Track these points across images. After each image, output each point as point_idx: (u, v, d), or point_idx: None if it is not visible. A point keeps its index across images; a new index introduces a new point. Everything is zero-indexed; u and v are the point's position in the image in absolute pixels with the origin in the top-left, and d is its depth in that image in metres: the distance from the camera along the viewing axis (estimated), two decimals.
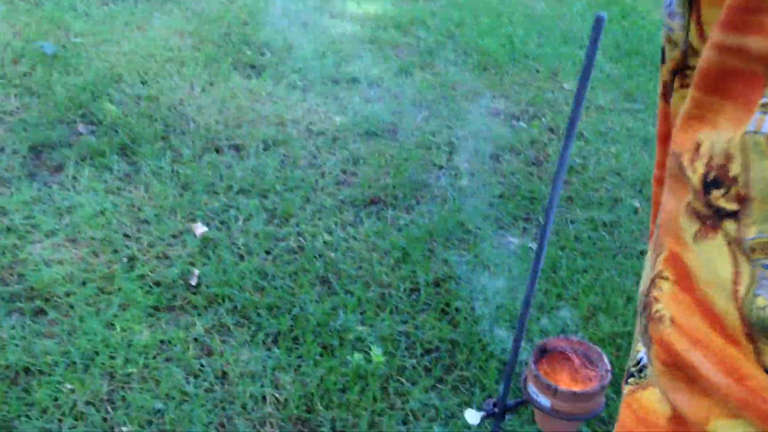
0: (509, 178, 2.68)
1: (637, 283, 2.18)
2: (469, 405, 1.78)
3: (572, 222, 2.54)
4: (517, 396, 1.78)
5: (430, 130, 2.98)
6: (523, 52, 4.03)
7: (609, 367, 1.45)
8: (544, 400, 1.41)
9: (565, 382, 1.45)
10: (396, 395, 1.82)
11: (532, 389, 1.42)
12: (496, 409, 1.48)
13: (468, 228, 2.40)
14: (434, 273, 2.19)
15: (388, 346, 1.92)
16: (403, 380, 1.86)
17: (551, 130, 3.20)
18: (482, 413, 1.47)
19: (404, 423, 1.76)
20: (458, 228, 2.39)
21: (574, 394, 1.38)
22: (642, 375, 0.64)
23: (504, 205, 2.52)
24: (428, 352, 1.96)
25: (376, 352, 1.86)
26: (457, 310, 2.09)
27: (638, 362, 0.65)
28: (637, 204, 2.69)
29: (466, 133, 2.95)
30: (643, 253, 2.37)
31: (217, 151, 2.65)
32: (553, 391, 1.39)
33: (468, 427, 1.73)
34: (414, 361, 1.92)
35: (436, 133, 2.94)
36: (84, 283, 2.03)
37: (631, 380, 0.66)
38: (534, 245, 2.24)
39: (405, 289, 2.15)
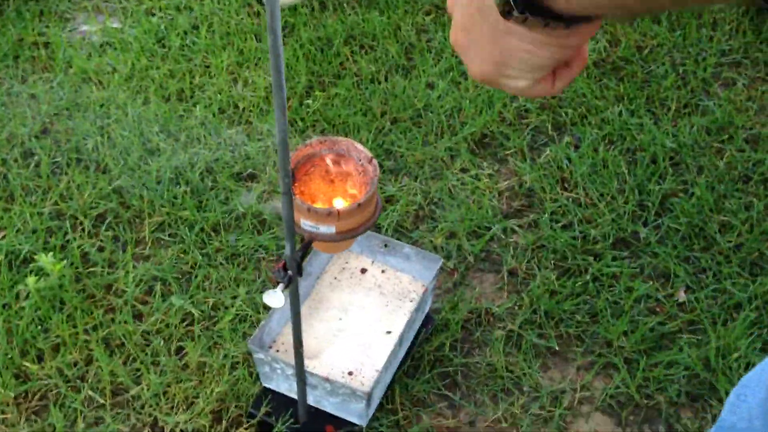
0: None
1: None
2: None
3: None
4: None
5: None
6: None
7: (368, 153, 1.35)
8: (327, 228, 1.31)
9: (327, 195, 1.37)
10: None
11: (307, 224, 1.29)
12: (290, 272, 1.30)
13: None
14: None
15: None
16: None
17: None
18: (280, 286, 1.29)
19: None
20: None
21: (359, 205, 1.29)
22: None
23: None
24: None
25: None
26: None
27: None
28: None
29: None
30: None
31: None
32: (335, 215, 1.29)
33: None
34: None
35: None
36: None
37: None
38: None
39: None
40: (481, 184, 2.03)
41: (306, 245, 1.39)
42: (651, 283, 1.83)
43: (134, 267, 1.84)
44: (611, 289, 1.82)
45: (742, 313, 1.76)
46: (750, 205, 1.98)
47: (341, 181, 1.45)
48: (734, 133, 2.16)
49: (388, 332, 1.68)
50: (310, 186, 1.48)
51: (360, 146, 1.40)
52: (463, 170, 2.07)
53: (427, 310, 1.74)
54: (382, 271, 1.78)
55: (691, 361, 1.69)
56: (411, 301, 1.72)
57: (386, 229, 1.94)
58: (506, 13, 0.60)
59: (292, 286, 1.38)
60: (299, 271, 1.36)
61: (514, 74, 0.66)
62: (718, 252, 1.89)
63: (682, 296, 1.81)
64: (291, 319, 1.44)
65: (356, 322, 1.70)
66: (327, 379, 1.52)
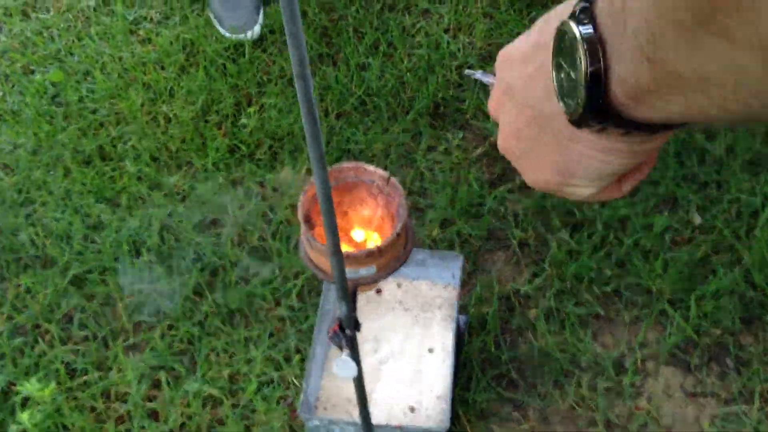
0: None
1: None
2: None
3: None
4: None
5: None
6: None
7: (382, 173, 1.19)
8: (368, 270, 1.17)
9: (344, 229, 1.22)
10: None
11: (349, 271, 1.11)
12: (348, 331, 1.15)
13: None
14: None
15: None
16: None
17: None
18: (345, 352, 1.15)
19: None
20: None
21: (398, 234, 1.14)
22: None
23: None
24: None
25: None
26: None
27: None
28: None
29: None
30: None
31: None
32: (376, 254, 1.14)
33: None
34: None
35: None
36: None
37: None
38: None
39: None
40: (454, 158, 1.90)
41: (353, 296, 1.24)
42: (665, 213, 1.76)
43: (126, 362, 1.63)
44: (628, 231, 1.74)
45: (761, 217, 1.71)
46: None
47: (354, 210, 1.30)
48: None
49: (431, 350, 1.55)
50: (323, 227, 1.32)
51: (371, 167, 1.25)
52: (430, 149, 1.93)
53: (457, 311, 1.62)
54: (398, 286, 1.64)
55: (734, 284, 1.63)
56: (439, 308, 1.60)
57: None
58: (578, 123, 0.50)
59: (352, 345, 1.23)
60: (357, 327, 1.21)
61: (579, 183, 0.58)
62: (712, 161, 1.83)
63: (697, 218, 1.75)
64: (353, 377, 1.29)
65: (393, 348, 1.56)
66: (400, 428, 1.38)
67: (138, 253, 1.77)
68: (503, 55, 0.61)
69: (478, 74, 0.78)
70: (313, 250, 1.24)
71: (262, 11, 2.18)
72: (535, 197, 1.80)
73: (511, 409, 1.55)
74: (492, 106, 0.63)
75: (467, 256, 1.74)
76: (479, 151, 1.91)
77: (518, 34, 0.60)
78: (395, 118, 1.99)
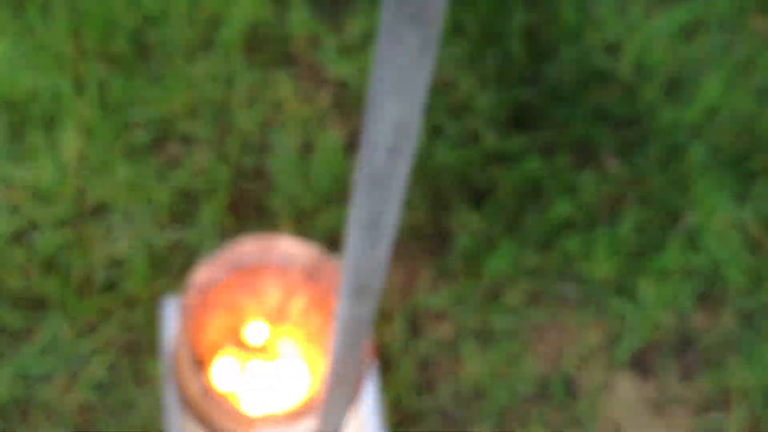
0: None
1: None
2: None
3: None
4: None
5: None
6: None
7: (319, 258, 0.77)
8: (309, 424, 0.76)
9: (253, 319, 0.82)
10: None
11: None
12: None
13: None
14: None
15: None
16: None
17: None
18: None
19: None
20: None
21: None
22: None
23: None
24: None
25: None
26: None
27: None
28: None
29: None
30: None
31: None
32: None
33: None
34: None
35: None
36: None
37: None
38: None
39: None
40: (289, 109, 1.34)
41: None
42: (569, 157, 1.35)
43: None
44: (544, 200, 1.32)
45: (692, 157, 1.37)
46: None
47: (254, 298, 0.78)
48: None
49: None
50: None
51: (289, 244, 0.71)
52: (253, 100, 1.35)
53: None
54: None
55: (683, 254, 1.29)
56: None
57: None
58: None
59: None
60: None
61: None
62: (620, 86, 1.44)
63: (611, 161, 1.37)
64: None
65: None
66: None
67: None
68: None
69: None
70: (221, 412, 0.69)
71: None
72: (421, 158, 1.31)
73: None
74: None
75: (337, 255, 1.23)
76: (327, 99, 1.36)
77: None
78: (192, 55, 1.37)
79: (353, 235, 0.34)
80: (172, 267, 1.18)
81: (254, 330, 0.83)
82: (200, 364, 0.72)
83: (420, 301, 1.22)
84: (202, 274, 0.72)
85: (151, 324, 1.13)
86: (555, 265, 1.27)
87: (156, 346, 1.11)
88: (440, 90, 1.38)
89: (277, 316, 0.83)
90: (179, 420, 0.94)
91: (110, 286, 1.15)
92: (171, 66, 1.35)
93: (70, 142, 1.25)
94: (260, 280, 0.77)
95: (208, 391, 0.68)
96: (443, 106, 1.37)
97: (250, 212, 1.25)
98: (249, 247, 0.73)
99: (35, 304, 1.13)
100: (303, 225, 1.24)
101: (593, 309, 1.25)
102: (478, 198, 1.30)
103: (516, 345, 1.21)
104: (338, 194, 1.28)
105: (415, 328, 1.21)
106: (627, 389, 1.22)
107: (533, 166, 1.32)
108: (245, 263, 0.74)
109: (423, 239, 1.27)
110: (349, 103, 1.37)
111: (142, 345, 1.12)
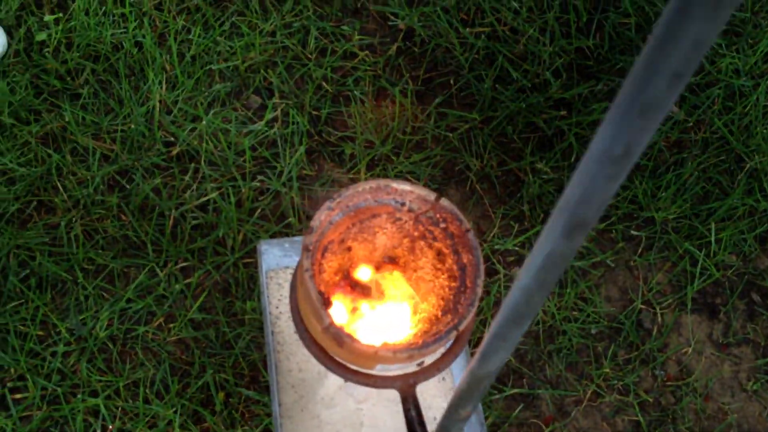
0: None
1: None
2: None
3: None
4: None
5: None
6: None
7: (432, 195, 0.80)
8: (433, 356, 0.81)
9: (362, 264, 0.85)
10: None
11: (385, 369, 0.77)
12: None
13: None
14: None
15: None
16: None
17: None
18: None
19: None
20: None
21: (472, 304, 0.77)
22: None
23: None
24: None
25: None
26: None
27: None
28: None
29: None
30: None
31: None
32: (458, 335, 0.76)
33: None
34: None
35: None
36: None
37: None
38: None
39: None
40: (359, 61, 1.38)
41: (416, 404, 0.79)
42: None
43: None
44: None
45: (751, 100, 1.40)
46: None
47: (363, 242, 0.83)
48: None
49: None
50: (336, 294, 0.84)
51: (402, 185, 0.76)
52: (322, 51, 1.39)
53: None
54: None
55: (744, 196, 1.33)
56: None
57: None
58: None
59: None
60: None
61: None
62: None
63: (675, 109, 1.40)
64: None
65: (377, 410, 1.10)
66: None
67: None
68: None
69: None
70: (343, 348, 0.74)
71: None
72: (485, 112, 1.35)
73: (522, 408, 1.18)
74: None
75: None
76: (392, 47, 1.40)
77: None
78: (266, 8, 1.41)
79: (591, 169, 0.34)
80: (255, 211, 1.24)
81: (366, 271, 0.88)
82: (324, 301, 0.78)
83: (493, 245, 1.27)
84: (322, 215, 0.77)
85: (241, 265, 1.19)
86: (623, 208, 1.31)
87: (245, 286, 1.18)
88: (505, 39, 1.42)
89: (389, 258, 0.88)
90: (276, 357, 1.00)
91: (200, 230, 1.21)
92: (246, 19, 1.39)
93: (155, 93, 1.30)
94: (374, 223, 0.82)
95: (332, 327, 0.73)
96: (508, 55, 1.40)
97: (327, 158, 1.30)
98: (365, 189, 0.78)
99: (131, 248, 1.19)
100: (378, 170, 1.29)
101: (661, 251, 1.30)
102: (545, 144, 1.34)
103: (587, 286, 1.26)
104: (409, 141, 1.32)
105: (488, 270, 1.26)
106: (694, 329, 1.27)
107: (597, 112, 1.36)
108: (361, 206, 0.79)
109: (494, 185, 1.31)
110: (417, 52, 1.40)
111: (233, 285, 1.18)
